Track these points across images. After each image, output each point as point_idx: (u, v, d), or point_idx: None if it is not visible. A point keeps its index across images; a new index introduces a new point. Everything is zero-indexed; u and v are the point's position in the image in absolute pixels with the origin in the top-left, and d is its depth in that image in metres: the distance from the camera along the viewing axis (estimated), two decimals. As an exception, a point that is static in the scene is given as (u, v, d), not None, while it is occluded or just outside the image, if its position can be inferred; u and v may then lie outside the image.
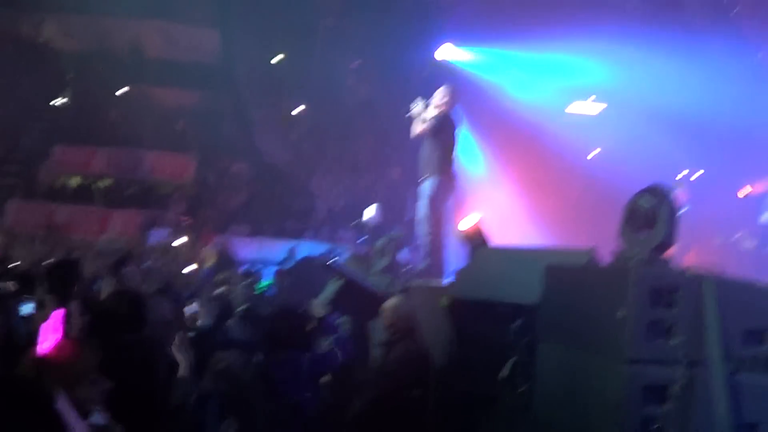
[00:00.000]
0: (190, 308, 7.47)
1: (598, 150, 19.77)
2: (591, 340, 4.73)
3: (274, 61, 25.25)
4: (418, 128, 9.45)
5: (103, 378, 3.18)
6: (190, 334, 6.30)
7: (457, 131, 9.69)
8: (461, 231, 8.66)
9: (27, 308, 5.88)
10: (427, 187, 9.26)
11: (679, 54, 16.34)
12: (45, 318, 4.06)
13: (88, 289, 7.15)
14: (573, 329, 4.91)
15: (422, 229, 9.26)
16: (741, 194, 16.95)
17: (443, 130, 9.44)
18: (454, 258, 10.39)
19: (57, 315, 3.26)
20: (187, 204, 22.20)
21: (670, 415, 4.38)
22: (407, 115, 9.53)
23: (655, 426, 4.38)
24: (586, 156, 19.72)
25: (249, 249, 18.64)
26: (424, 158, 9.40)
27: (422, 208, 9.29)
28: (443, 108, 9.51)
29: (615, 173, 16.26)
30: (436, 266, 9.09)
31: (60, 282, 6.29)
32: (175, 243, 12.89)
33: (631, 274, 4.56)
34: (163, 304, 5.72)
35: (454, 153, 9.57)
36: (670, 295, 4.50)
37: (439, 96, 9.53)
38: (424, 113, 9.44)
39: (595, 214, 15.58)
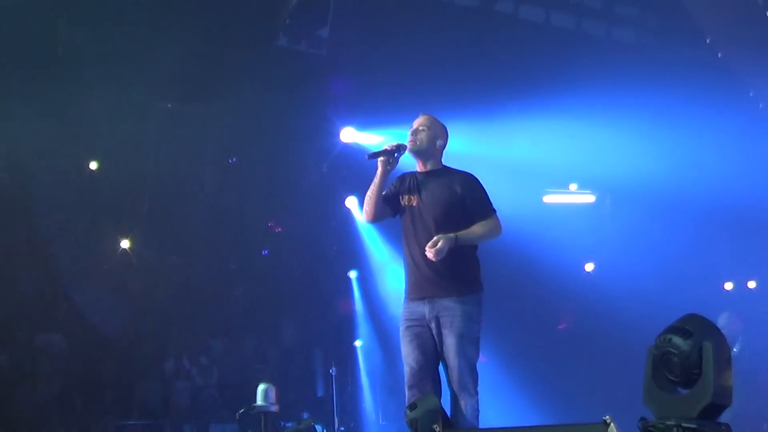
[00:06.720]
0: None
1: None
2: None
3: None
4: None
5: None
6: None
7: None
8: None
9: None
10: (470, 306, 5.95)
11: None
12: None
13: None
14: None
15: (471, 375, 5.92)
16: None
17: None
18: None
19: None
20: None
21: None
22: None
23: None
24: (582, 268, 14.47)
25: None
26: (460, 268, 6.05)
27: (472, 332, 5.94)
28: None
29: (616, 289, 12.37)
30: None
31: None
32: None
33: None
34: None
35: None
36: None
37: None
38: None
39: (599, 353, 13.14)
